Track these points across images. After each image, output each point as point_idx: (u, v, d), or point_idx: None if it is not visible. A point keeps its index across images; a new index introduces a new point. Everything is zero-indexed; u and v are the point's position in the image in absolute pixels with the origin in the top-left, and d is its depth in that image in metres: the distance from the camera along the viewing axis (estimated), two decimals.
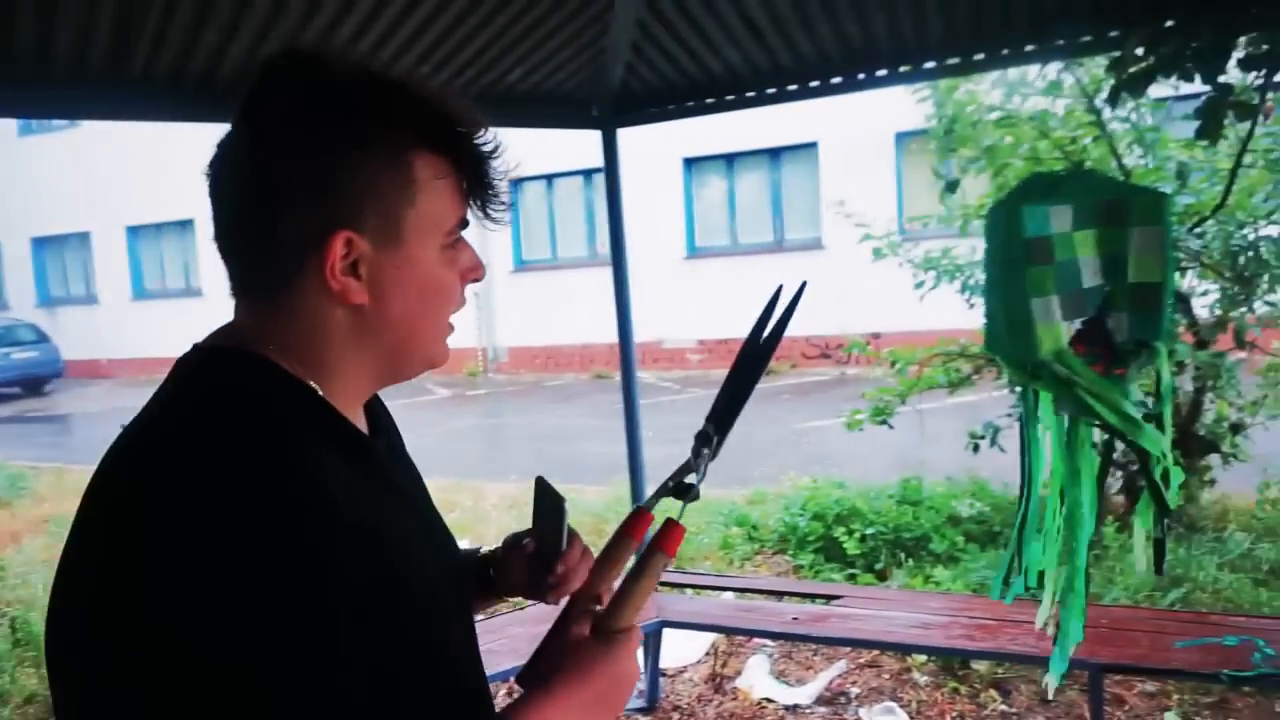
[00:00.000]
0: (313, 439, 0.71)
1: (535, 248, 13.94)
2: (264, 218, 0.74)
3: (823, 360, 11.53)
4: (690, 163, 12.69)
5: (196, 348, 0.77)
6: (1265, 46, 2.51)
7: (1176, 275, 3.63)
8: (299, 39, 2.33)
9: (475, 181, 0.79)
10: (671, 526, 0.88)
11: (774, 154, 12.25)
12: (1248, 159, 3.32)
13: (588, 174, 12.88)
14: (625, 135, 3.31)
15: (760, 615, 3.05)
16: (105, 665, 0.62)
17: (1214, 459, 4.11)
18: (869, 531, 4.44)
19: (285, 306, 0.75)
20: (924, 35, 2.72)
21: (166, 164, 15.25)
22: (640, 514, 0.93)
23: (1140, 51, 2.34)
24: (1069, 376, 1.60)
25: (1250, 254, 3.25)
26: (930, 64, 2.70)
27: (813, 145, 11.87)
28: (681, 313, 12.38)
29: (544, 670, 0.84)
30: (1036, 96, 3.63)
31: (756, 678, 3.52)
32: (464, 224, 0.80)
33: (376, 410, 0.89)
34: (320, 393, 0.76)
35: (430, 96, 0.76)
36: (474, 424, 11.11)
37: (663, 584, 3.25)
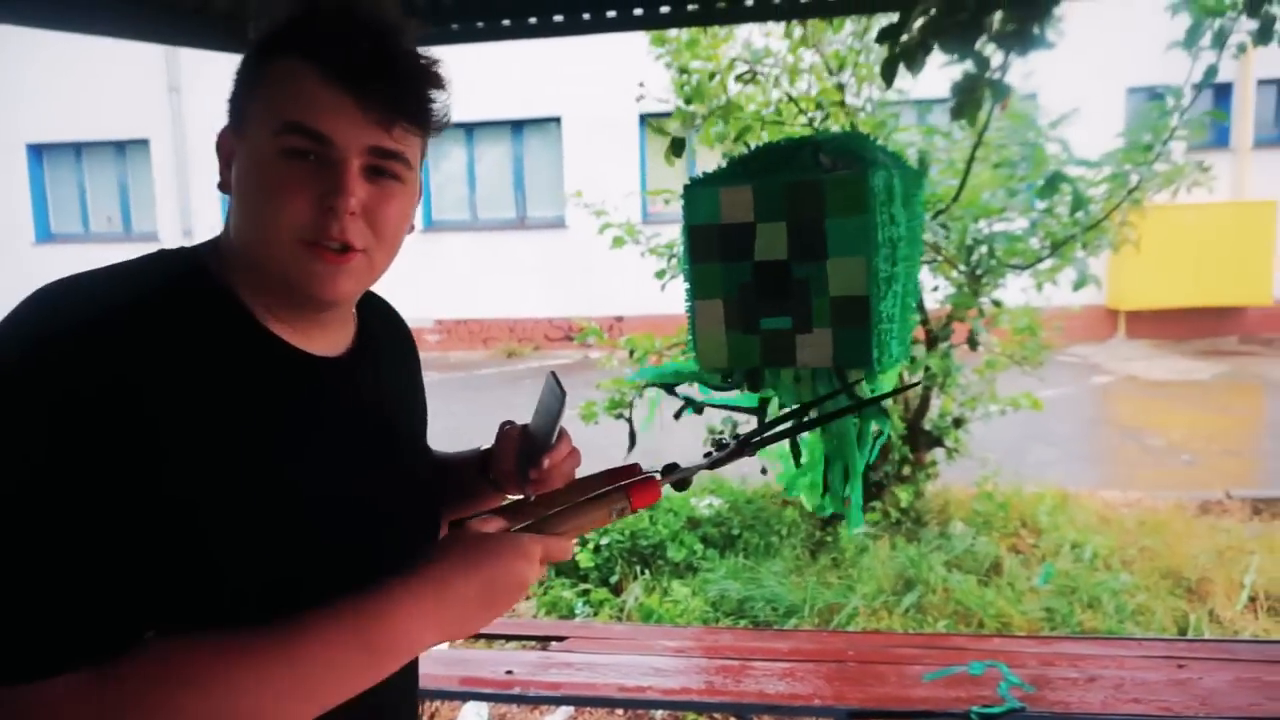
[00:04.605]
0: (155, 322, 0.73)
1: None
2: None
3: (566, 343, 11.18)
4: None
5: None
6: (1011, 26, 2.34)
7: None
8: None
9: (324, 54, 0.77)
10: (649, 481, 0.90)
11: (516, 126, 11.66)
12: (979, 153, 3.25)
13: None
14: None
15: (470, 667, 2.52)
16: None
17: (938, 453, 4.13)
18: (604, 541, 4.05)
19: None
20: None
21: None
22: (633, 468, 0.95)
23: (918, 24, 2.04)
24: None
25: (984, 248, 3.18)
26: (665, 9, 2.27)
27: (556, 120, 11.43)
28: (418, 290, 11.48)
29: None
30: (780, 65, 3.36)
31: None
32: (304, 129, 0.77)
33: (373, 325, 0.96)
34: (222, 289, 0.80)
35: (326, 11, 0.79)
36: None
37: None
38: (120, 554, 0.69)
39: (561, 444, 0.94)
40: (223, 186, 0.83)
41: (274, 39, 0.79)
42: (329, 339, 0.87)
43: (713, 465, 0.99)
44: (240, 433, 0.74)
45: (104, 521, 0.68)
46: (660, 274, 4.06)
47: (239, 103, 0.81)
